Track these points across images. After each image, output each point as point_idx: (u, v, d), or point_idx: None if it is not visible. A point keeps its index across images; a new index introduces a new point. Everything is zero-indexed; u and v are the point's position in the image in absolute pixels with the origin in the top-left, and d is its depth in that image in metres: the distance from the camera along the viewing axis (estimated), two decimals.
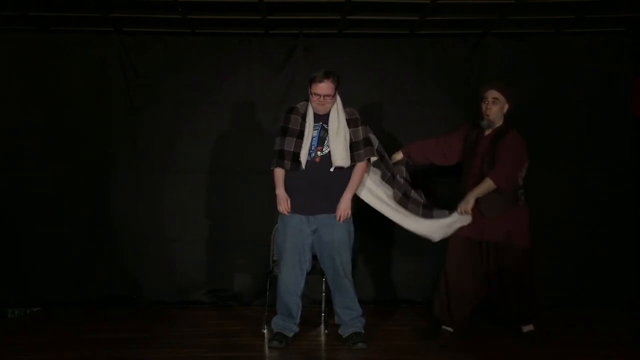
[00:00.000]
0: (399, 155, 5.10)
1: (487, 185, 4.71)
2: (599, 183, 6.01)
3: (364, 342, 4.71)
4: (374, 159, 4.81)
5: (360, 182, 4.80)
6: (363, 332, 4.79)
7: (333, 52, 6.00)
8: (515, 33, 6.03)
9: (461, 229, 4.81)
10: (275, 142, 4.77)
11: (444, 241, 4.95)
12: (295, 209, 4.71)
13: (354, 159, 4.70)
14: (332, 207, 4.69)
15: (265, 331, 5.03)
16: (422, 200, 4.90)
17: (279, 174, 4.74)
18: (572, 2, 5.45)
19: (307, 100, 4.75)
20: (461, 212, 4.76)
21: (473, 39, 6.04)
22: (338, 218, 4.67)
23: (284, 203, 4.70)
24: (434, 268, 5.40)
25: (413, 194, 4.91)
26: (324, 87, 4.62)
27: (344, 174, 4.70)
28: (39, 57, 5.96)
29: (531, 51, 6.04)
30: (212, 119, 6.00)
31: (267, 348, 4.75)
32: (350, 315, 4.79)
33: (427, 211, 4.88)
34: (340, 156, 4.65)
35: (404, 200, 4.88)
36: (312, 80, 4.64)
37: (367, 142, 4.77)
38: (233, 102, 6.00)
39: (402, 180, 4.93)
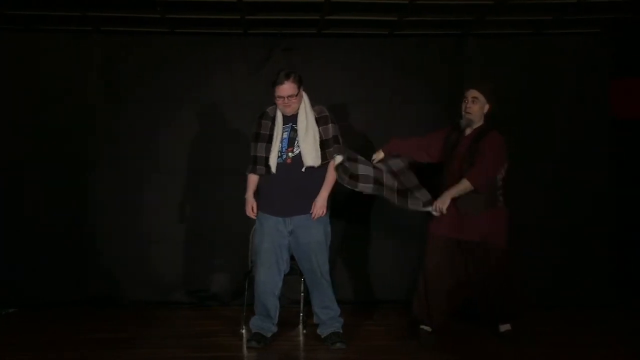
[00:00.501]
0: (380, 155, 5.08)
1: (464, 186, 4.72)
2: (598, 183, 6.01)
3: (343, 342, 4.71)
4: (339, 158, 4.74)
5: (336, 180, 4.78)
6: (341, 331, 4.79)
7: (312, 52, 6.00)
8: (495, 34, 6.05)
9: (439, 228, 4.82)
10: (250, 148, 4.79)
11: (423, 241, 4.95)
12: (271, 211, 4.71)
13: (325, 157, 4.68)
14: (307, 208, 4.67)
15: (243, 331, 5.02)
16: (396, 186, 4.91)
17: (252, 179, 4.79)
18: (550, 4, 5.47)
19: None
20: (436, 209, 4.76)
21: (453, 39, 6.06)
22: (313, 216, 4.66)
23: (249, 207, 4.76)
24: (413, 268, 5.40)
25: (388, 179, 4.91)
26: (286, 89, 4.60)
27: (317, 173, 4.69)
28: (18, 56, 5.91)
29: (511, 52, 6.06)
30: (191, 119, 5.98)
31: (245, 348, 4.74)
32: (328, 314, 4.79)
33: (402, 199, 4.87)
34: (310, 156, 4.63)
35: (379, 189, 4.89)
36: (274, 84, 4.61)
37: (337, 140, 4.74)
38: (212, 102, 5.98)
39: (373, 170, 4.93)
